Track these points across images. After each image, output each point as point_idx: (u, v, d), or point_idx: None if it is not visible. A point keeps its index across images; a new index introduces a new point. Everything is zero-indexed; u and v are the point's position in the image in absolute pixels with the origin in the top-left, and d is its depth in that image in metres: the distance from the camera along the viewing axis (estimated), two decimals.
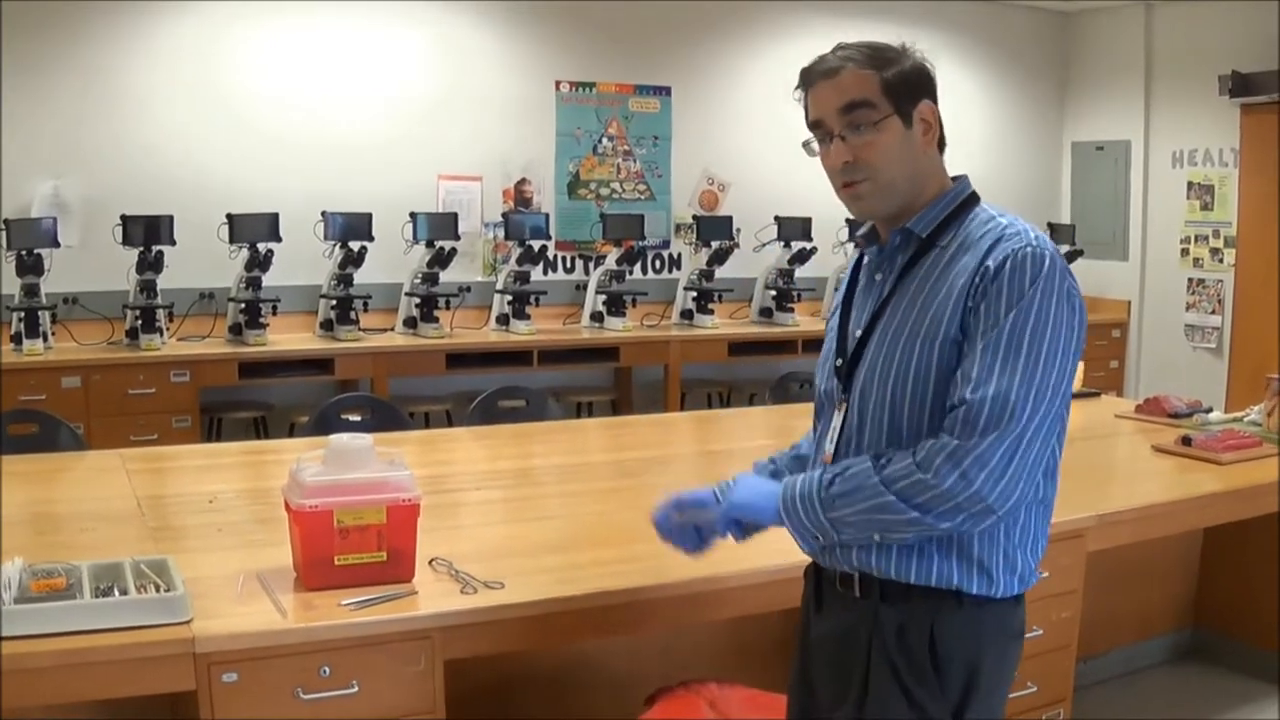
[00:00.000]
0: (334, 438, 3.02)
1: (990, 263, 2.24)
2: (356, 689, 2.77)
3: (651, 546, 3.54)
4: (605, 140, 8.96)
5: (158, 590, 2.74)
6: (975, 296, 2.24)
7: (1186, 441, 4.86)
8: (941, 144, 2.44)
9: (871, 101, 2.33)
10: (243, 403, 7.54)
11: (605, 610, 3.09)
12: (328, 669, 2.75)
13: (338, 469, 2.95)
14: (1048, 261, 2.23)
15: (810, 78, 2.41)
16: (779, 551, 3.46)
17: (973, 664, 2.33)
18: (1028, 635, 2.52)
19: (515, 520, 3.99)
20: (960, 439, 2.18)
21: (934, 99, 2.40)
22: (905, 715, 2.31)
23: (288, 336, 7.57)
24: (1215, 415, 5.56)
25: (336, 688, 2.76)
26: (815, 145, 2.43)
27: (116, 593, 2.73)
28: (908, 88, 2.35)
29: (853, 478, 2.27)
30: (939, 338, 2.28)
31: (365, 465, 2.98)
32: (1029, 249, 2.24)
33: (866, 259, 2.55)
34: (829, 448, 2.48)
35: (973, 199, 2.43)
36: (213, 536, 3.52)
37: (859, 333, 2.46)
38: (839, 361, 2.50)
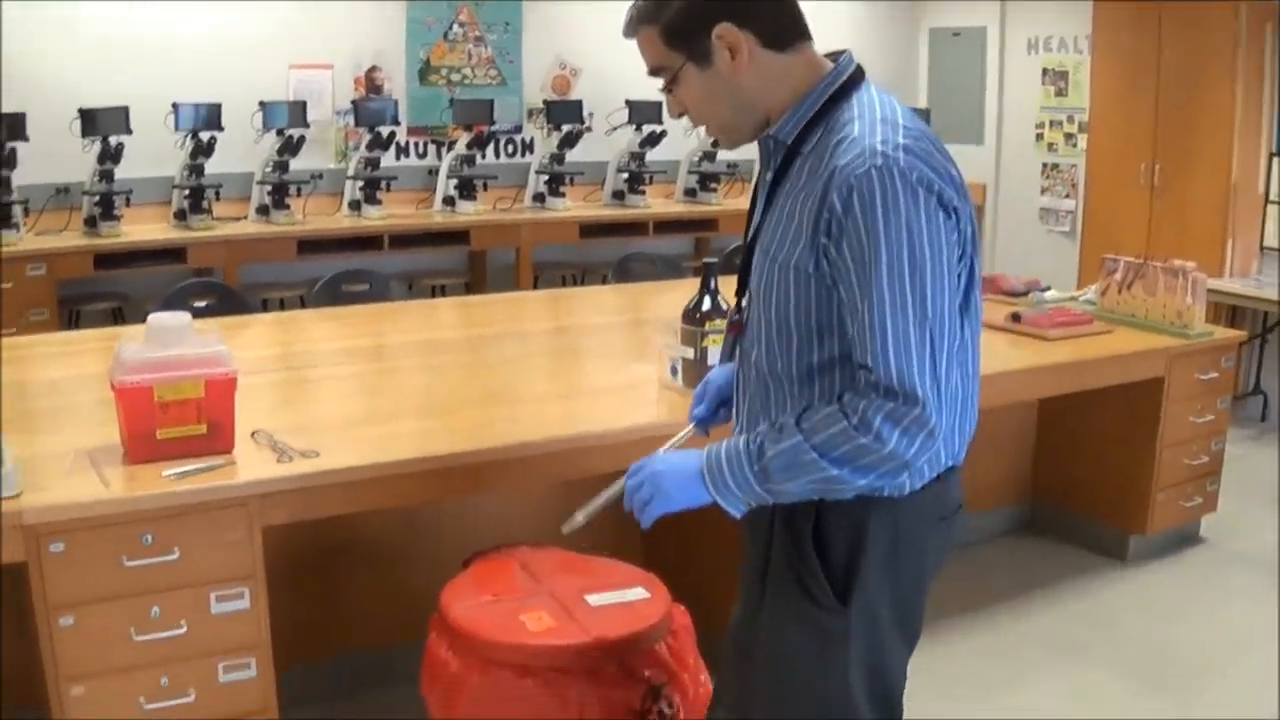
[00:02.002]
0: (153, 316, 3.16)
1: (835, 198, 2.06)
2: (177, 555, 2.93)
3: (476, 415, 3.70)
4: (456, 27, 8.93)
5: None
6: (827, 233, 2.09)
7: (1015, 318, 5.04)
8: (780, 42, 2.24)
9: (661, 64, 2.24)
10: (99, 294, 7.54)
11: (416, 476, 3.23)
12: (150, 537, 2.90)
13: (157, 347, 3.09)
14: (894, 177, 2.04)
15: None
16: (590, 420, 3.65)
17: (855, 549, 2.25)
18: None
19: (347, 396, 4.07)
20: (886, 399, 2.06)
21: (734, 15, 2.17)
22: (796, 597, 2.29)
23: (142, 228, 7.54)
24: (1051, 294, 5.73)
25: (158, 554, 2.91)
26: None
27: None
28: (690, 26, 2.19)
29: (786, 453, 2.13)
30: (790, 265, 2.17)
31: (183, 343, 3.12)
32: (871, 171, 2.04)
33: None
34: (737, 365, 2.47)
35: (844, 90, 2.26)
36: (52, 418, 3.63)
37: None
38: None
